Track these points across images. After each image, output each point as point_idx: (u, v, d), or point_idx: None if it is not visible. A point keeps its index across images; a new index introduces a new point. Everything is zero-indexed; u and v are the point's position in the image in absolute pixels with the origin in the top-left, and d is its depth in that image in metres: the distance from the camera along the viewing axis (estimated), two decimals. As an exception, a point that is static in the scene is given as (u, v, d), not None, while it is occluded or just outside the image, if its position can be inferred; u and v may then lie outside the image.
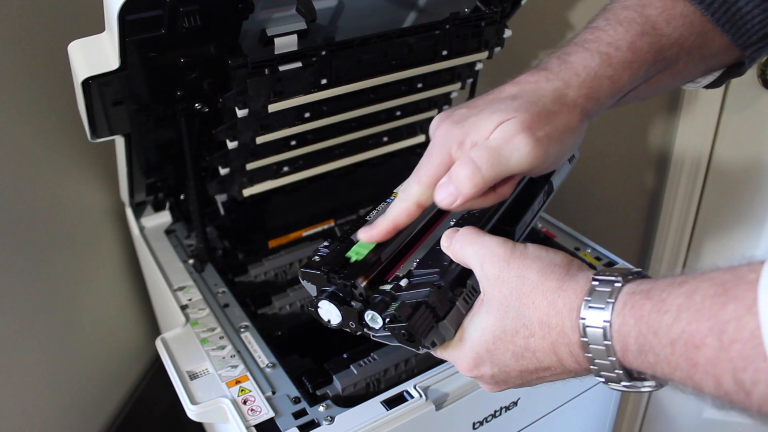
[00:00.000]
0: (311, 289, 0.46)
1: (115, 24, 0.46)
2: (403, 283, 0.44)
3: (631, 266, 0.52)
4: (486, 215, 0.49)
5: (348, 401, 0.51)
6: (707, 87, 0.50)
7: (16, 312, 0.66)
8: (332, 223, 0.78)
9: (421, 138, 0.81)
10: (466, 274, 0.43)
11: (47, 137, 0.71)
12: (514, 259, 0.39)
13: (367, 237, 0.46)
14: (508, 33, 0.68)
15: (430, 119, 0.78)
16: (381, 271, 0.46)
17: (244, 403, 0.50)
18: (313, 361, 0.58)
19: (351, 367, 0.55)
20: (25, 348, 0.68)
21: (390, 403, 0.50)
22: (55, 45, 0.56)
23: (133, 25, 0.47)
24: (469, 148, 0.41)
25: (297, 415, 0.49)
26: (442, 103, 0.78)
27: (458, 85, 0.74)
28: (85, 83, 0.51)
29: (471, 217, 0.50)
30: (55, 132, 0.72)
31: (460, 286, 0.43)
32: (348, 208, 0.80)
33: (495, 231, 0.48)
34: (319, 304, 0.44)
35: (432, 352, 0.43)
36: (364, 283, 0.44)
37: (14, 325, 0.66)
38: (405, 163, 0.83)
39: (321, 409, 0.50)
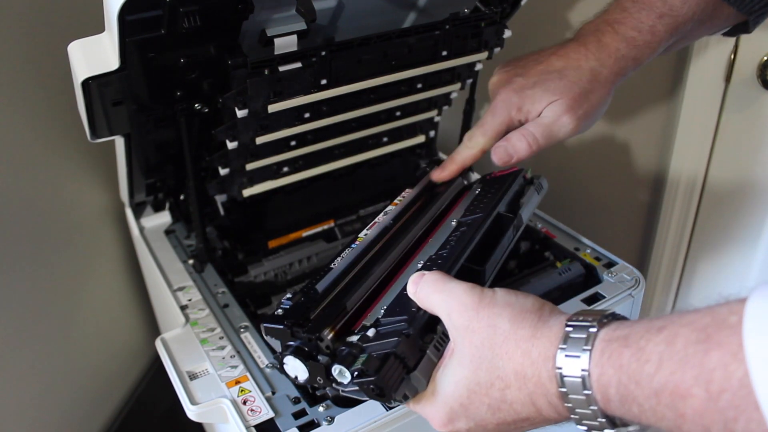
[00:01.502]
0: (275, 345, 0.45)
1: (115, 24, 0.46)
2: (371, 333, 0.42)
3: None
4: (454, 256, 0.47)
5: (348, 401, 0.51)
6: (725, 34, 0.59)
7: (15, 312, 0.66)
8: (332, 224, 0.78)
9: (420, 138, 0.81)
10: (436, 319, 0.41)
11: (47, 137, 0.71)
12: (483, 307, 0.38)
13: (439, 177, 0.61)
14: (507, 33, 0.68)
15: (429, 119, 0.79)
16: (348, 321, 0.45)
17: (244, 403, 0.50)
18: (313, 362, 0.58)
19: (351, 367, 0.55)
20: (24, 348, 0.68)
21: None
22: (55, 45, 0.56)
23: (133, 26, 0.47)
24: (524, 114, 0.55)
25: (297, 415, 0.49)
26: (441, 103, 0.78)
27: (458, 85, 0.74)
28: (85, 83, 0.51)
29: (439, 258, 0.48)
30: (55, 132, 0.72)
31: (430, 332, 0.41)
32: (348, 208, 0.80)
33: (465, 271, 0.47)
34: (285, 360, 0.42)
35: (405, 405, 0.41)
36: (330, 335, 0.42)
37: (14, 325, 0.66)
38: (405, 163, 0.83)
39: (321, 409, 0.50)
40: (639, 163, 1.09)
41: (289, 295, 0.47)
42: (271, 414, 0.49)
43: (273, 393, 0.52)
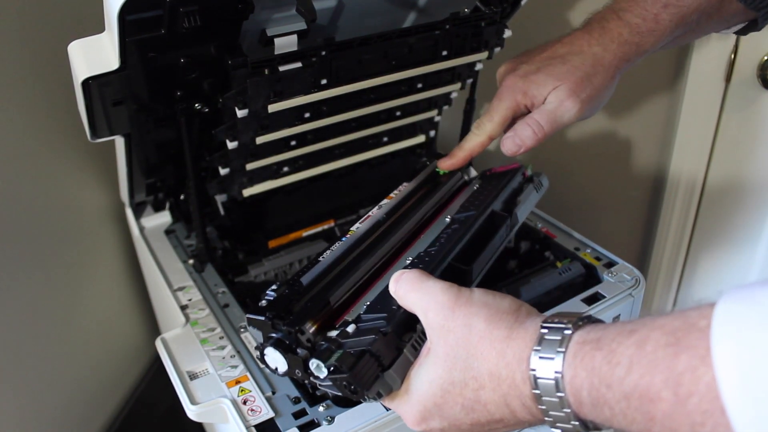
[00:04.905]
0: (257, 336, 0.45)
1: (115, 24, 0.46)
2: (350, 329, 0.42)
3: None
4: (441, 254, 0.47)
5: (348, 401, 0.51)
6: (737, 33, 0.60)
7: (16, 312, 0.66)
8: (332, 223, 0.78)
9: (420, 138, 0.81)
10: (415, 317, 0.41)
11: (47, 137, 0.71)
12: (459, 306, 0.38)
13: (447, 165, 0.62)
14: (508, 33, 0.68)
15: (430, 119, 0.79)
16: (331, 316, 0.44)
17: (244, 403, 0.50)
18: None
19: (351, 367, 0.54)
20: (24, 348, 0.68)
21: (390, 404, 0.50)
22: (55, 45, 0.56)
23: (133, 25, 0.47)
24: (530, 99, 0.55)
25: (297, 415, 0.49)
26: (442, 103, 0.78)
27: (458, 85, 0.74)
28: (85, 83, 0.51)
29: (427, 255, 0.48)
30: (55, 132, 0.72)
31: (410, 330, 0.41)
32: (348, 208, 0.80)
33: (451, 270, 0.46)
34: (265, 351, 0.42)
35: (380, 402, 0.41)
36: (312, 329, 0.42)
37: (14, 325, 0.66)
38: (405, 163, 0.83)
39: (321, 409, 0.50)
40: (639, 162, 1.09)
41: (274, 287, 0.46)
42: (271, 414, 0.49)
43: (273, 393, 0.52)
